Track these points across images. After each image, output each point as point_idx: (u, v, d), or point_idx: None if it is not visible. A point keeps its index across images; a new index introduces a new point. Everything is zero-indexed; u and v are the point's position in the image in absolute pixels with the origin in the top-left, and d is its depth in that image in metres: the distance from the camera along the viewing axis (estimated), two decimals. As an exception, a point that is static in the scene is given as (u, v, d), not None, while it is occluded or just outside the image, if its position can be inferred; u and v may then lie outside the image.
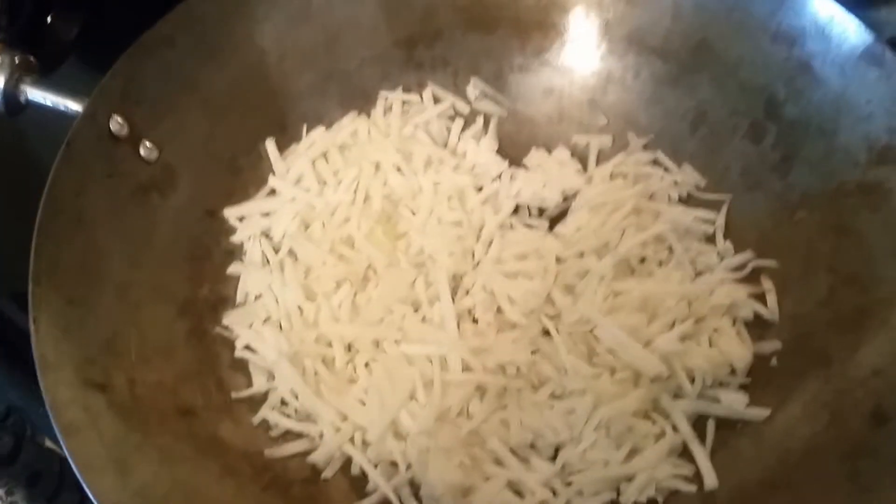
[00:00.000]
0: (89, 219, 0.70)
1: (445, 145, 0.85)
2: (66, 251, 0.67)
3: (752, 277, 0.76)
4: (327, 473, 0.70)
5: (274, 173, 0.82)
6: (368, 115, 0.86)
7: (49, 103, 0.72)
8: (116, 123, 0.72)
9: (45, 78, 0.74)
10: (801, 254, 0.75)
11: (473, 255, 0.78)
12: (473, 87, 0.87)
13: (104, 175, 0.71)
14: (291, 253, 0.78)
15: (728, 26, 0.80)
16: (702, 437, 0.70)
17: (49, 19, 0.86)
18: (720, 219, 0.80)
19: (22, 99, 0.73)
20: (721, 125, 0.82)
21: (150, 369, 0.69)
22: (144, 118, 0.74)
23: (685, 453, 0.70)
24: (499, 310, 0.75)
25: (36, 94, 0.73)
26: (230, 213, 0.80)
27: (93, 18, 0.90)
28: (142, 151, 0.74)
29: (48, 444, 0.79)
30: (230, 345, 0.75)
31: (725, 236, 0.80)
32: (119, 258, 0.71)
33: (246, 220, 0.80)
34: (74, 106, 0.71)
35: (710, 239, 0.80)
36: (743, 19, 0.79)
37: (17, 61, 0.73)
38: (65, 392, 0.61)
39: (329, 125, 0.85)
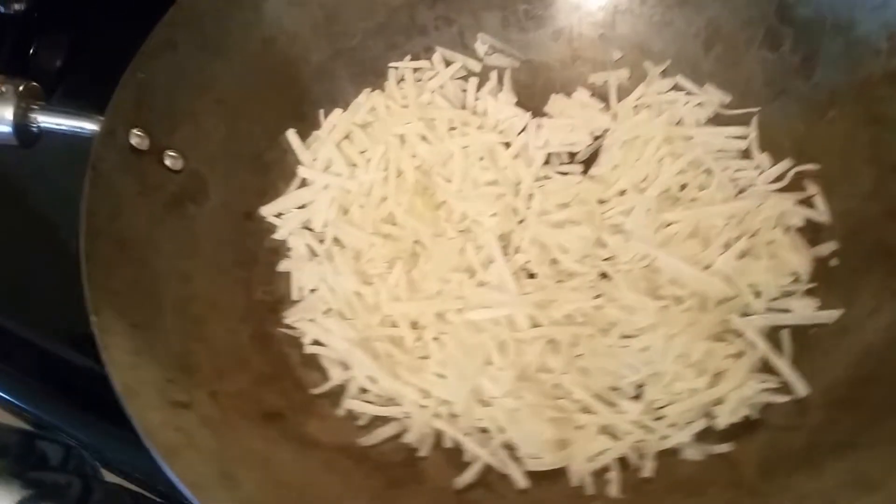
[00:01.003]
0: (131, 240, 0.73)
1: (464, 107, 0.90)
2: (117, 277, 0.71)
3: (796, 184, 0.82)
4: (423, 451, 0.75)
5: (301, 164, 0.87)
6: (382, 89, 0.91)
7: (64, 128, 0.75)
8: (136, 137, 0.75)
9: (52, 104, 0.77)
10: (840, 152, 0.81)
11: (516, 212, 0.84)
12: (482, 43, 0.92)
13: (136, 193, 0.75)
14: (337, 241, 0.83)
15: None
16: (780, 349, 0.76)
17: (32, 49, 0.89)
18: (752, 132, 0.86)
19: (34, 128, 0.76)
20: (735, 38, 0.87)
21: (228, 380, 0.73)
22: (163, 127, 0.78)
23: (768, 368, 0.75)
24: (553, 261, 0.81)
25: (48, 121, 0.76)
26: (267, 211, 0.85)
27: (80, 44, 0.94)
28: (167, 162, 0.78)
29: (110, 478, 0.83)
30: (297, 343, 0.80)
31: (761, 149, 0.85)
32: (171, 275, 0.75)
33: (284, 215, 0.85)
34: (90, 126, 0.74)
35: (746, 154, 0.86)
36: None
37: (21, 89, 0.75)
38: (154, 416, 0.65)
39: (345, 106, 0.89)
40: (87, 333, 0.66)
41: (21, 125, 0.76)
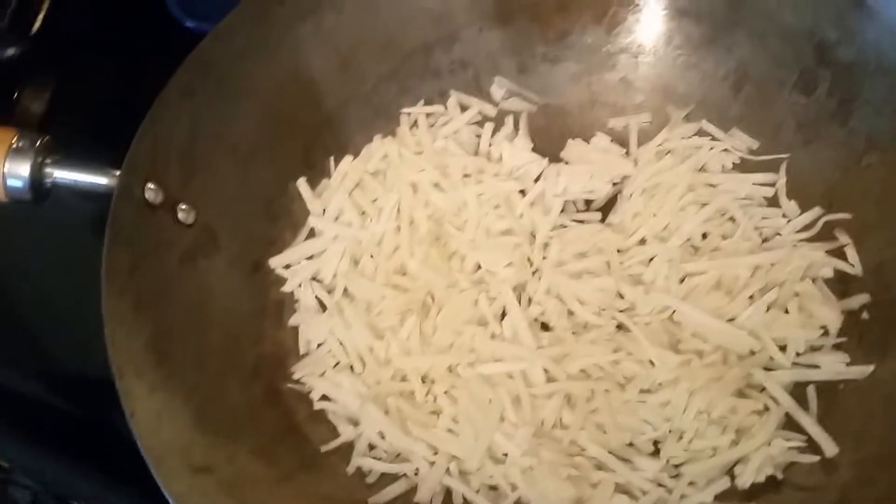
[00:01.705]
0: (148, 297, 0.76)
1: (478, 153, 0.93)
2: (136, 336, 0.73)
3: (826, 234, 0.84)
4: None
5: (311, 213, 0.89)
6: (394, 135, 0.93)
7: (80, 183, 0.78)
8: (151, 191, 0.77)
9: (68, 157, 0.79)
10: (876, 199, 0.83)
11: (531, 263, 0.86)
12: (498, 87, 0.95)
13: (151, 248, 0.77)
14: (347, 293, 0.86)
15: (763, -29, 0.88)
16: (804, 405, 0.78)
17: (16, 94, 0.93)
18: (780, 179, 0.88)
19: (48, 183, 0.78)
20: (767, 81, 0.89)
21: (242, 440, 0.76)
22: (176, 179, 0.80)
23: (794, 425, 0.77)
24: (569, 312, 0.84)
25: (63, 176, 0.78)
26: (276, 263, 0.87)
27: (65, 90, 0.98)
28: (179, 216, 0.80)
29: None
30: (306, 399, 0.82)
31: (789, 196, 0.87)
32: (185, 332, 0.78)
33: (292, 267, 0.88)
34: (106, 181, 0.76)
35: (774, 202, 0.88)
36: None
37: (39, 145, 0.77)
38: (181, 482, 0.68)
39: (355, 153, 0.92)
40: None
41: (37, 181, 0.77)
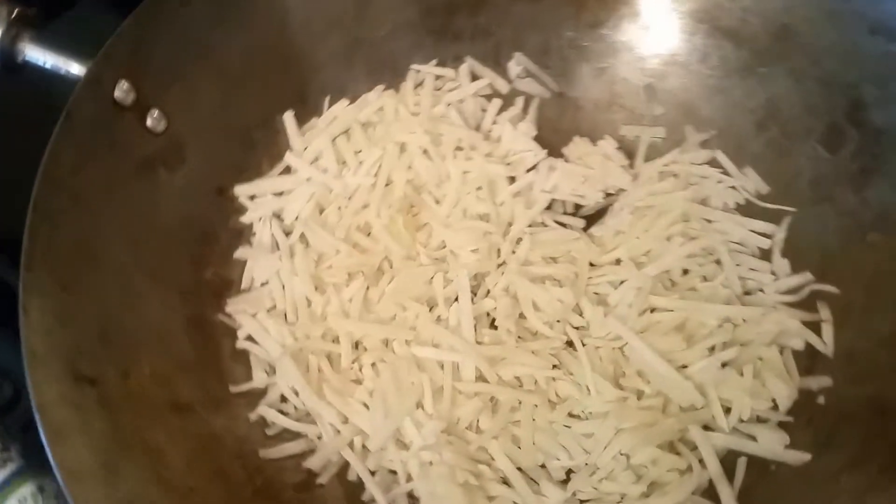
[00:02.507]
0: (89, 196, 0.71)
1: (478, 128, 0.87)
2: (63, 233, 0.69)
3: (809, 303, 0.77)
4: (323, 479, 0.73)
5: (291, 149, 0.85)
6: (397, 89, 0.88)
7: (48, 65, 0.74)
8: (122, 90, 0.73)
9: (46, 35, 0.75)
10: (868, 282, 0.76)
11: (499, 254, 0.81)
12: (516, 64, 0.89)
13: (106, 147, 0.73)
14: (303, 238, 0.81)
15: (818, 11, 0.81)
16: (729, 476, 0.71)
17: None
18: (780, 233, 0.81)
19: (19, 58, 0.74)
20: (794, 125, 0.82)
21: (147, 360, 0.72)
22: (153, 84, 0.76)
23: (710, 492, 0.71)
24: (521, 316, 0.78)
25: (35, 54, 0.74)
26: (241, 191, 0.83)
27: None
28: (148, 121, 0.76)
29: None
30: (232, 334, 0.78)
31: (784, 254, 0.81)
32: (120, 239, 0.74)
33: (257, 199, 0.84)
34: (76, 69, 0.73)
35: (766, 255, 0.81)
36: (838, 4, 0.79)
37: (14, 14, 0.73)
38: (54, 389, 0.63)
39: (353, 99, 0.87)
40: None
41: (6, 51, 0.74)
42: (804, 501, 0.70)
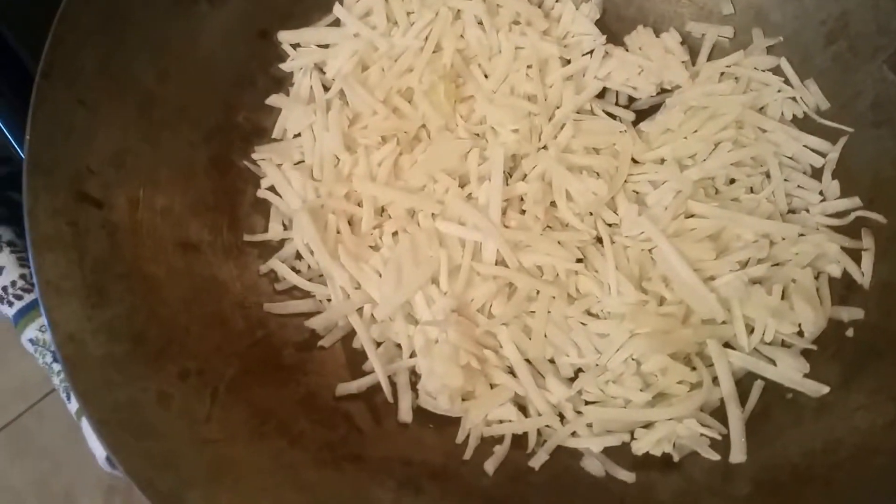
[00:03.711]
0: (124, 12, 0.67)
1: (540, 4, 0.79)
2: (91, 45, 0.64)
3: (853, 229, 0.70)
4: (325, 342, 0.69)
5: (341, 1, 0.78)
6: (464, -54, 0.80)
7: None
8: None
9: None
10: (917, 214, 0.69)
11: (541, 137, 0.74)
12: (589, -60, 0.80)
13: None
14: (342, 95, 0.75)
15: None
16: (742, 399, 0.66)
17: None
18: (834, 152, 0.73)
19: None
20: (863, 43, 0.73)
21: (160, 193, 0.67)
22: None
23: (718, 412, 0.66)
24: (552, 204, 0.72)
25: None
26: (284, 38, 0.77)
27: None
28: None
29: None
30: (255, 182, 0.73)
31: (835, 175, 0.73)
32: (149, 66, 0.69)
33: (301, 48, 0.77)
34: None
35: (817, 174, 0.73)
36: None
37: None
38: (49, 200, 0.60)
39: None
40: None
41: None
42: (814, 436, 0.63)
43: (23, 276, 0.75)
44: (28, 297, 0.75)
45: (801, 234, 0.69)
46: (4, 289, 0.73)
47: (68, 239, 0.60)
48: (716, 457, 0.63)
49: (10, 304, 0.73)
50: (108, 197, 0.63)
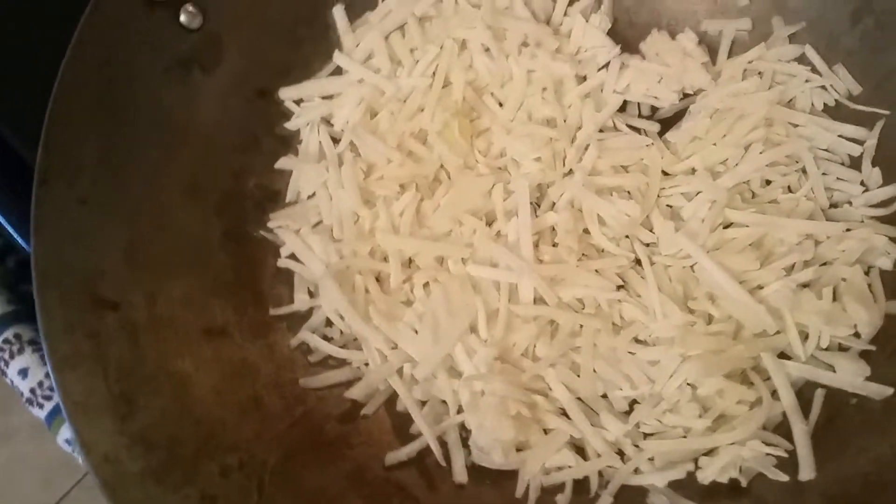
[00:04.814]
0: (117, 97, 0.68)
1: (548, 22, 0.80)
2: (86, 139, 0.66)
3: (900, 218, 0.72)
4: (368, 409, 0.70)
5: (341, 48, 0.79)
6: (457, -22, 0.82)
7: None
8: None
9: None
10: (968, 196, 0.71)
11: (565, 162, 0.75)
12: (591, -53, 0.82)
13: (136, 44, 0.69)
14: (353, 147, 0.76)
15: None
16: (805, 410, 0.66)
17: None
18: (872, 139, 0.73)
19: None
20: (891, 18, 0.73)
21: (178, 280, 0.69)
22: None
23: (781, 427, 0.66)
24: (585, 231, 0.73)
25: None
26: (286, 94, 0.78)
27: None
28: (182, 17, 0.71)
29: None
30: (274, 252, 0.75)
31: (875, 162, 0.73)
32: (150, 147, 0.70)
33: (304, 103, 0.79)
34: None
35: (856, 164, 0.74)
36: None
37: None
38: (66, 314, 0.61)
39: None
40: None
41: None
42: (882, 440, 0.64)
43: (48, 375, 0.76)
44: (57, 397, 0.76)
45: (847, 230, 0.69)
46: (32, 391, 0.74)
47: (88, 352, 0.61)
48: (784, 477, 0.64)
49: (41, 405, 0.74)
50: (123, 296, 0.65)
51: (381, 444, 0.69)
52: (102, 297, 0.63)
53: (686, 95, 0.77)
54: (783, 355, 0.68)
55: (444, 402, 0.69)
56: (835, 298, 0.68)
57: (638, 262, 0.71)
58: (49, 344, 0.59)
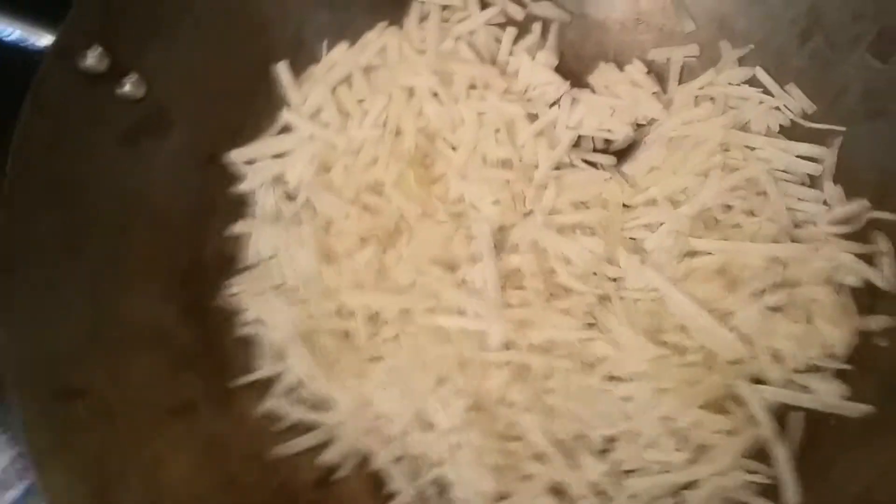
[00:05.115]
0: (70, 176, 0.67)
1: (494, 62, 0.80)
2: (41, 226, 0.65)
3: (865, 234, 0.71)
4: (343, 472, 0.70)
5: (288, 105, 0.79)
6: (400, 25, 0.80)
7: (10, 38, 0.68)
8: (95, 56, 0.68)
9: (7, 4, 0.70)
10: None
11: (525, 202, 0.75)
12: (530, -15, 0.83)
13: (82, 122, 0.68)
14: (309, 204, 0.76)
15: None
16: (786, 434, 0.66)
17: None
18: (830, 156, 0.74)
19: None
20: (840, 34, 0.74)
21: (141, 360, 0.68)
22: (128, 47, 0.70)
23: (762, 455, 0.66)
24: (551, 271, 0.72)
25: None
26: (237, 156, 0.78)
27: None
28: (126, 88, 0.71)
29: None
30: (234, 320, 0.74)
31: (836, 179, 0.74)
32: (106, 225, 0.70)
33: (255, 163, 0.78)
34: (43, 40, 0.68)
35: (817, 183, 0.74)
36: None
37: None
38: (34, 409, 0.60)
39: (354, 40, 0.80)
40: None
41: None
42: (869, 460, 0.64)
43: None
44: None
45: (814, 250, 0.70)
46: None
47: (59, 445, 0.60)
48: (769, 504, 0.66)
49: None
50: (88, 382, 0.63)
51: (361, 505, 0.70)
52: (66, 385, 0.62)
53: (639, 126, 0.78)
54: (759, 380, 0.68)
55: (416, 456, 0.69)
56: (806, 320, 0.68)
57: (607, 297, 0.71)
58: (27, 437, 0.59)
